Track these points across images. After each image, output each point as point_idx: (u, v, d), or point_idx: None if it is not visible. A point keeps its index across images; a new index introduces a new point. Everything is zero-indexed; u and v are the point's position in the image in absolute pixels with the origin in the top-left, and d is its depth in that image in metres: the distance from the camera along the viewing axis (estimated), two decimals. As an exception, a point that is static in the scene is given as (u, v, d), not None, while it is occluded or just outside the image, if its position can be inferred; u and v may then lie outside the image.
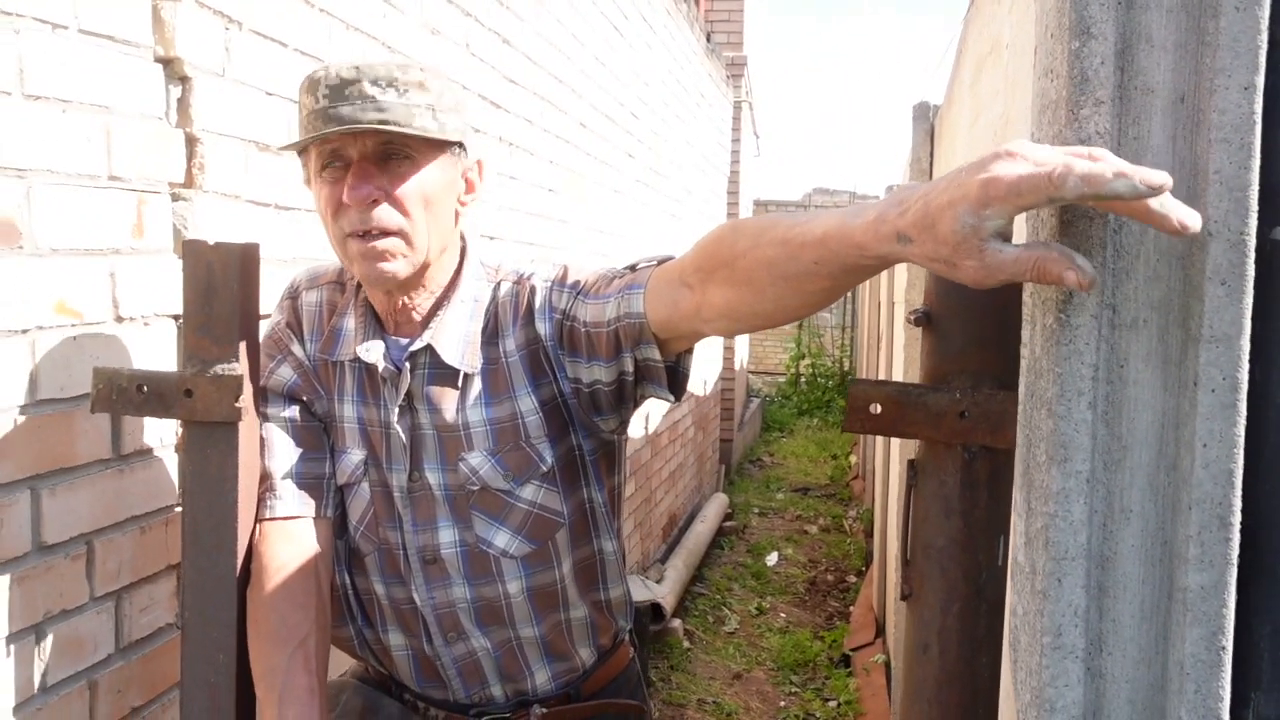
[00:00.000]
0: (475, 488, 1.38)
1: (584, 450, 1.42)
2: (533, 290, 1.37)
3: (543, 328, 1.35)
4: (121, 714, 1.50)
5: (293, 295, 1.48)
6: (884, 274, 5.93)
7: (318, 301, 1.46)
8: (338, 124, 1.25)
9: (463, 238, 1.43)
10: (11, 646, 1.30)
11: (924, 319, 1.19)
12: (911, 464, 1.23)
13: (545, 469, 1.38)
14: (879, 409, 1.19)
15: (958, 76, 2.50)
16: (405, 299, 1.37)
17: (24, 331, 1.30)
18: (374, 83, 1.26)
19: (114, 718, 1.48)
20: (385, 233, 1.29)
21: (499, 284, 1.40)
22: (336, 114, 1.26)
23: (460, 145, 1.36)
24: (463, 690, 1.46)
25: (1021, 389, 0.93)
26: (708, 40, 6.89)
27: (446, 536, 1.39)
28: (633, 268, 1.31)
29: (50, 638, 1.36)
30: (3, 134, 1.25)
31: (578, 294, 1.33)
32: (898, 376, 3.93)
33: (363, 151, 1.28)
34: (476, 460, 1.37)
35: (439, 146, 1.32)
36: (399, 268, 1.31)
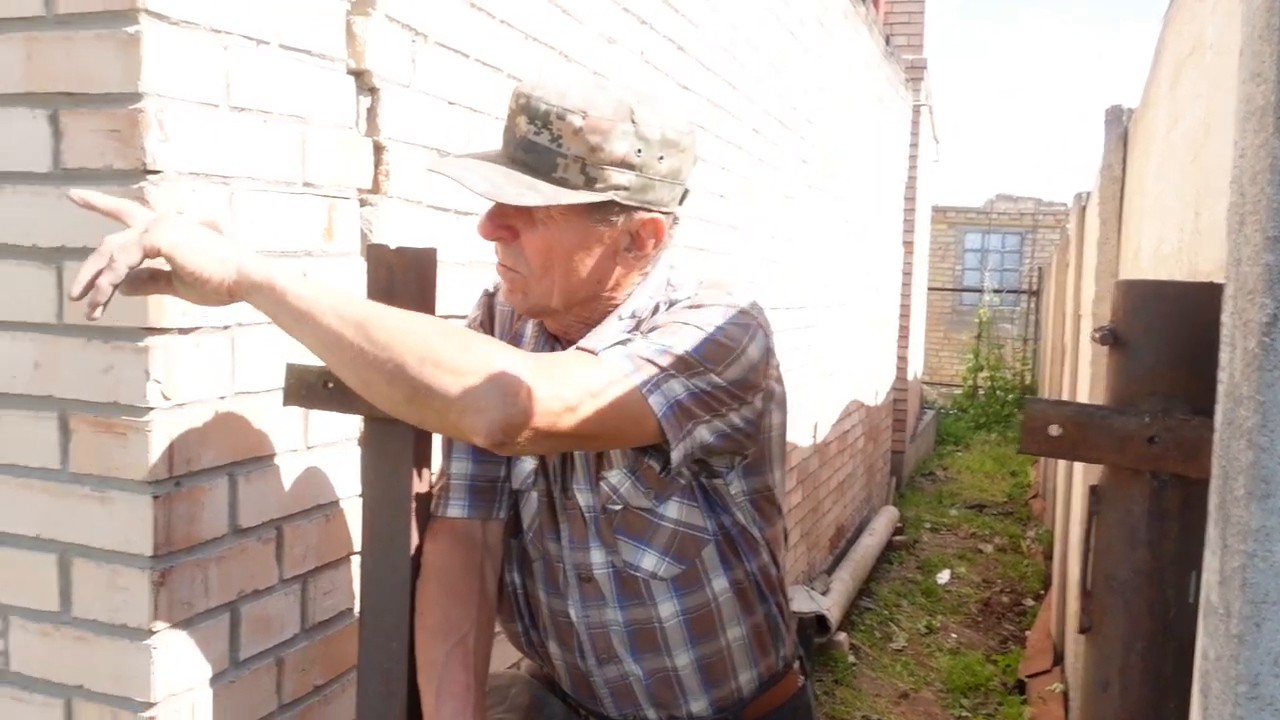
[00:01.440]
0: (617, 507, 1.35)
1: (720, 462, 1.37)
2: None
3: None
4: (305, 690, 1.58)
5: (490, 294, 1.52)
6: (1070, 284, 5.66)
7: (509, 306, 1.49)
8: (485, 157, 1.27)
9: (646, 274, 1.37)
10: (209, 622, 1.39)
11: (1110, 337, 1.12)
12: (1094, 490, 1.17)
13: (684, 482, 1.35)
14: (1058, 431, 1.13)
15: (1155, 78, 2.36)
16: (557, 327, 1.39)
17: (225, 328, 1.39)
18: (531, 119, 1.23)
19: (299, 693, 1.57)
20: (510, 269, 1.31)
21: (659, 305, 1.35)
22: (502, 140, 1.29)
23: (617, 204, 1.26)
24: (615, 709, 1.45)
25: (1218, 416, 0.86)
26: (886, 43, 6.75)
27: (597, 558, 1.38)
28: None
29: (243, 615, 1.45)
30: (210, 143, 1.34)
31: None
32: (1083, 394, 3.74)
33: None
34: (616, 478, 1.35)
35: (584, 205, 1.24)
36: (518, 302, 1.33)
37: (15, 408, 1.35)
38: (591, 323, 1.36)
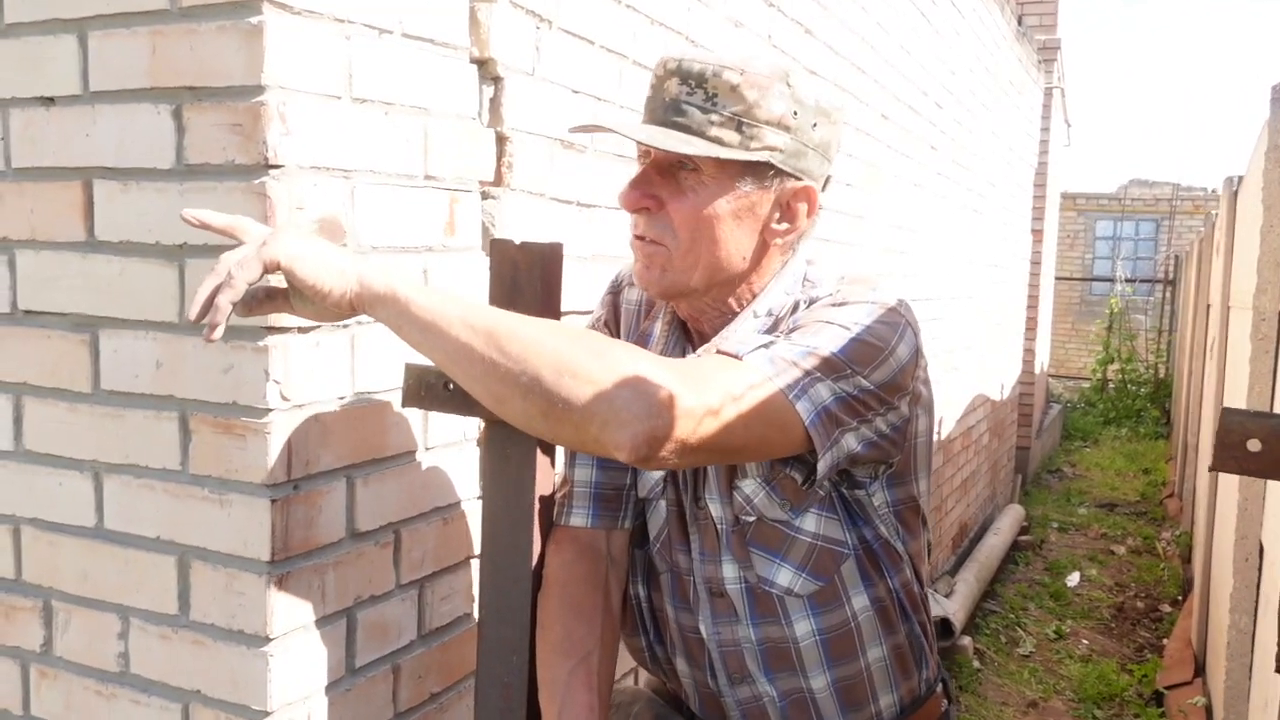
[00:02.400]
0: (751, 519, 1.27)
1: (863, 472, 1.28)
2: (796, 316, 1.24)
3: None
4: (421, 699, 1.54)
5: (615, 290, 1.45)
6: (1218, 273, 5.33)
7: (637, 300, 1.42)
8: (644, 119, 1.21)
9: (785, 262, 1.30)
10: (326, 628, 1.36)
11: (1323, 341, 0.98)
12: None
13: (823, 494, 1.26)
14: (1259, 446, 1.00)
15: (1339, 49, 2.14)
16: (690, 313, 1.31)
17: (345, 327, 1.35)
18: (684, 80, 1.18)
19: (414, 701, 1.53)
20: (654, 242, 1.23)
21: (799, 302, 1.27)
22: (647, 108, 1.21)
23: (771, 167, 1.21)
24: None
25: None
26: (1019, 23, 6.46)
27: (730, 572, 1.30)
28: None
29: (360, 621, 1.41)
30: (332, 136, 1.30)
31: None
32: (1238, 393, 3.48)
33: (655, 155, 1.22)
34: (750, 488, 1.26)
35: (737, 165, 1.19)
36: (655, 279, 1.24)
37: (138, 407, 1.33)
38: (726, 311, 1.28)
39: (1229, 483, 3.77)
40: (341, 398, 1.36)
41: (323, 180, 1.29)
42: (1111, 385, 13.88)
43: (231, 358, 1.27)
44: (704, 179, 1.20)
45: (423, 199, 1.47)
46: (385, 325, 1.10)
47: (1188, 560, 6.43)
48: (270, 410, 1.26)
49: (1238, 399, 3.58)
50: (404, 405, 1.33)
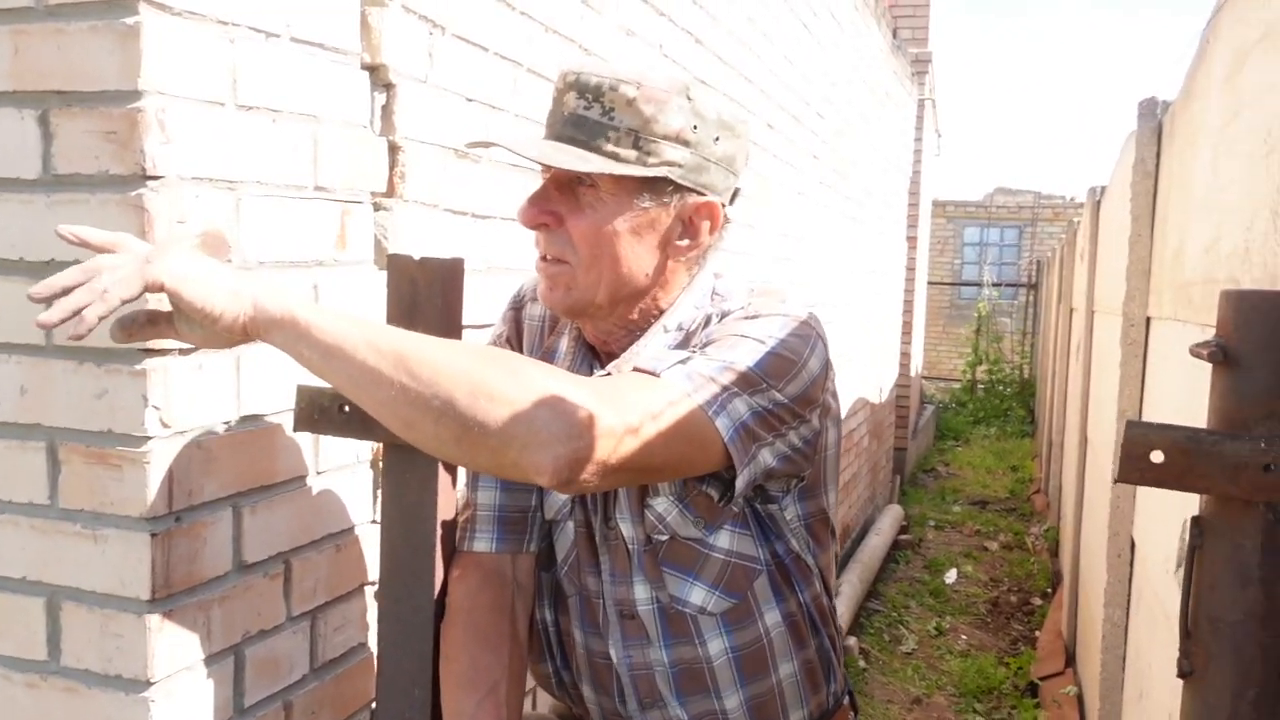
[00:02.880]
0: (664, 538, 1.25)
1: (776, 486, 1.27)
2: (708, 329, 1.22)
3: None
4: (315, 735, 1.46)
5: (516, 306, 1.41)
6: (1081, 280, 5.56)
7: (541, 315, 1.38)
8: (545, 132, 1.17)
9: (693, 276, 1.27)
10: (213, 667, 1.27)
11: (1220, 353, 1.01)
12: (1196, 521, 1.06)
13: (736, 510, 1.25)
14: (1161, 457, 1.02)
15: (1202, 70, 2.25)
16: (594, 331, 1.28)
17: (230, 348, 1.27)
18: (581, 93, 1.15)
19: (307, 738, 1.45)
20: (556, 259, 1.20)
21: (710, 316, 1.24)
22: (547, 120, 1.18)
23: (670, 183, 1.18)
24: None
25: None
26: (894, 36, 6.64)
27: (641, 593, 1.27)
28: None
29: (249, 658, 1.33)
30: (215, 145, 1.22)
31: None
32: (1106, 395, 3.63)
33: (553, 170, 1.18)
34: (663, 506, 1.24)
35: (635, 180, 1.16)
36: (560, 298, 1.21)
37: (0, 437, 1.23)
38: (634, 329, 1.25)
39: (1099, 480, 3.93)
40: (227, 423, 1.28)
41: (205, 191, 1.21)
42: (981, 386, 14.40)
43: (105, 382, 1.18)
44: (602, 195, 1.17)
45: (312, 211, 1.40)
46: (283, 350, 1.03)
47: (1055, 554, 6.70)
48: (149, 438, 1.17)
49: (1105, 399, 3.73)
50: (296, 430, 1.27)
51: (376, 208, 1.53)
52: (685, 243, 1.22)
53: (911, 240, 8.42)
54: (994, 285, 15.84)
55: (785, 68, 3.84)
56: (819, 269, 4.79)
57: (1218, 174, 1.95)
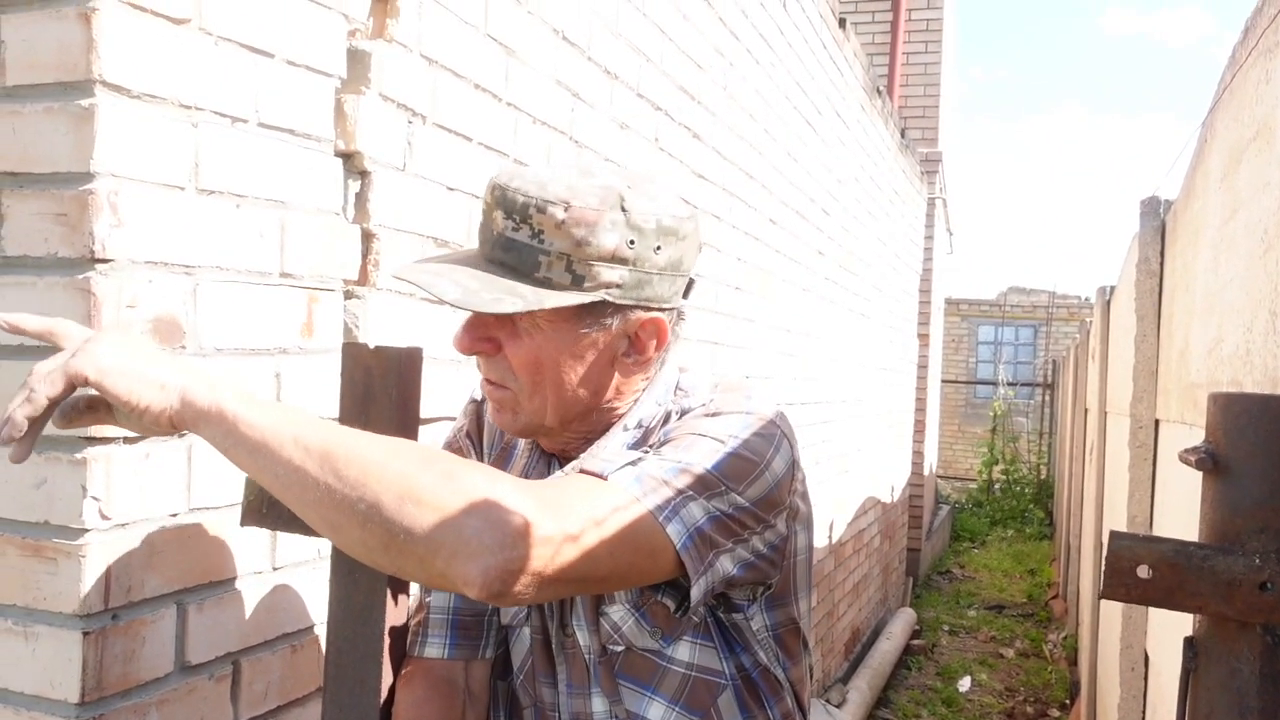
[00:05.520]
0: (619, 648, 1.17)
1: (740, 595, 1.19)
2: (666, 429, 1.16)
3: None
4: None
5: (478, 400, 1.36)
6: (1094, 380, 5.49)
7: None
8: (460, 258, 1.13)
9: (650, 377, 1.22)
10: (146, 777, 1.20)
11: (1209, 460, 0.95)
12: (1190, 642, 0.98)
13: (697, 620, 1.17)
14: (1148, 573, 0.95)
15: (1200, 168, 2.22)
16: (549, 444, 1.23)
17: (181, 436, 1.22)
18: (509, 214, 1.08)
19: None
20: (497, 385, 1.15)
21: (670, 413, 1.18)
22: (478, 239, 1.14)
23: (610, 304, 1.11)
24: None
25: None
26: (902, 135, 6.70)
27: (599, 706, 1.19)
28: None
29: (188, 768, 1.26)
30: (172, 229, 1.19)
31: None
32: (1118, 497, 3.54)
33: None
34: (618, 614, 1.16)
35: (571, 308, 1.10)
36: (508, 422, 1.17)
37: (-66, 526, 1.18)
38: (593, 436, 1.19)
39: (1112, 587, 3.80)
40: (174, 514, 1.23)
41: (159, 276, 1.18)
42: (997, 486, 14.18)
43: (45, 471, 1.13)
44: (539, 322, 1.11)
45: (277, 298, 1.36)
46: (213, 445, 0.97)
47: (1074, 663, 6.48)
48: (87, 530, 1.12)
49: (1118, 503, 3.63)
50: (243, 524, 1.21)
51: (348, 296, 1.50)
52: (631, 359, 1.17)
53: (923, 338, 8.38)
54: (1009, 384, 15.73)
55: (789, 164, 3.85)
56: (826, 365, 4.74)
57: (1218, 273, 1.91)
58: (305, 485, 0.92)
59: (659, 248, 1.12)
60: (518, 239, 1.08)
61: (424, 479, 0.92)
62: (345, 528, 0.93)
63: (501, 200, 1.09)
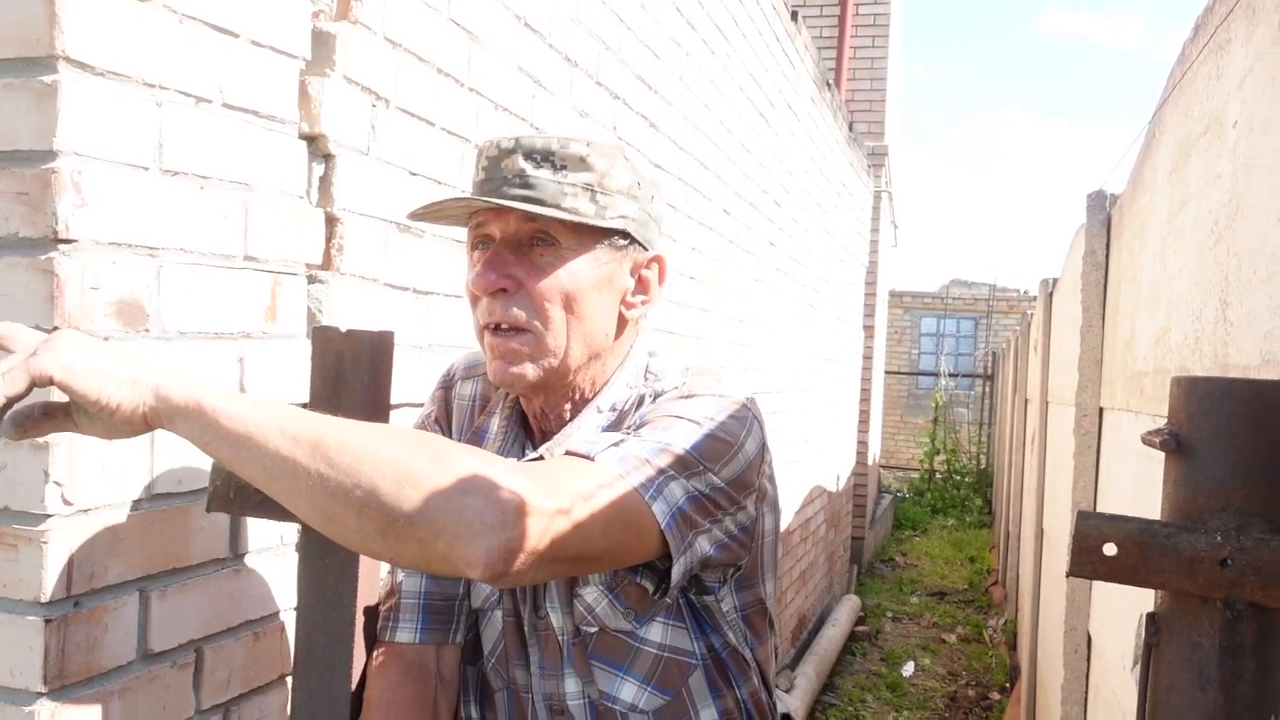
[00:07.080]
0: (593, 630, 1.18)
1: (711, 576, 1.22)
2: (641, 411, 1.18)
3: None
4: (223, 842, 1.36)
5: (446, 385, 1.35)
6: (1035, 370, 5.60)
7: (471, 394, 1.32)
8: (479, 199, 1.13)
9: (630, 346, 1.25)
10: (109, 767, 1.18)
11: (1172, 442, 0.98)
12: (1152, 618, 1.01)
13: (669, 601, 1.19)
14: (1114, 550, 0.97)
15: (1147, 164, 2.28)
16: (543, 406, 1.23)
17: (135, 438, 1.20)
18: (529, 156, 1.13)
19: (215, 845, 1.34)
20: (516, 328, 1.14)
21: (644, 396, 1.20)
22: (484, 189, 1.14)
23: (625, 235, 1.18)
24: None
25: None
26: (850, 129, 6.77)
27: (571, 687, 1.20)
28: None
29: (151, 757, 1.24)
30: (136, 210, 1.17)
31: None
32: (1061, 485, 3.62)
33: (505, 233, 1.14)
34: (592, 596, 1.17)
35: (594, 234, 1.15)
36: (525, 371, 1.15)
37: (-113, 513, 1.15)
38: (574, 403, 1.21)
39: (1055, 573, 3.89)
40: (138, 500, 1.20)
41: (123, 258, 1.16)
42: (938, 475, 14.42)
43: (5, 456, 1.11)
44: (563, 252, 1.14)
45: (241, 281, 1.34)
46: (190, 441, 0.95)
47: (1014, 647, 6.62)
48: (49, 516, 1.10)
49: (1060, 491, 3.71)
50: (209, 510, 1.19)
51: (311, 280, 1.48)
52: (640, 298, 1.22)
53: (869, 329, 8.48)
54: (950, 375, 15.99)
55: (742, 155, 3.87)
56: (775, 354, 4.78)
57: (1166, 265, 1.96)
58: (296, 475, 0.91)
59: (653, 197, 1.22)
60: (540, 175, 1.12)
61: (418, 462, 0.91)
62: (340, 515, 0.91)
63: (516, 147, 1.13)
